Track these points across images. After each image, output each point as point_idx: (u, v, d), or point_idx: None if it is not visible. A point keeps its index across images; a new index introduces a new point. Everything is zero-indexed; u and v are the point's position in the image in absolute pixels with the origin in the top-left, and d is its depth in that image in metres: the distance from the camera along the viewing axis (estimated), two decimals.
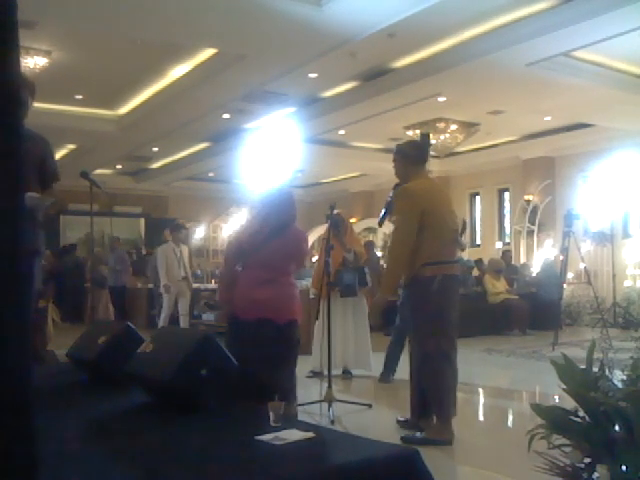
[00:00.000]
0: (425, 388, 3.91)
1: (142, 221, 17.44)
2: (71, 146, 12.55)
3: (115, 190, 13.82)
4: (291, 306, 3.85)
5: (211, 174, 15.62)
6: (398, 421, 4.17)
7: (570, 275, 10.56)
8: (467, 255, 12.86)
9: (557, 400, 3.00)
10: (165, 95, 9.39)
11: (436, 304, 3.82)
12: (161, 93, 9.44)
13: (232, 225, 14.95)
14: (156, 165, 14.92)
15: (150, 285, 10.80)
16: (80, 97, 9.91)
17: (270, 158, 9.93)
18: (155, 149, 13.02)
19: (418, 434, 3.85)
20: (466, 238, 4.40)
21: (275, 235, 3.87)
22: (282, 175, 9.47)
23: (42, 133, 3.52)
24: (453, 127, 10.93)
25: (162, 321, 8.20)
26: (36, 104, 3.42)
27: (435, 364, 3.84)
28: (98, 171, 13.63)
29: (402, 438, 3.80)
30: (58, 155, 13.29)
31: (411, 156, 4.07)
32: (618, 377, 2.75)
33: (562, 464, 2.72)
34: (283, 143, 9.74)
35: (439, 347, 3.82)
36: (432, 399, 3.87)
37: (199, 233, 16.62)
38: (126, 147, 12.41)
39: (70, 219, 15.55)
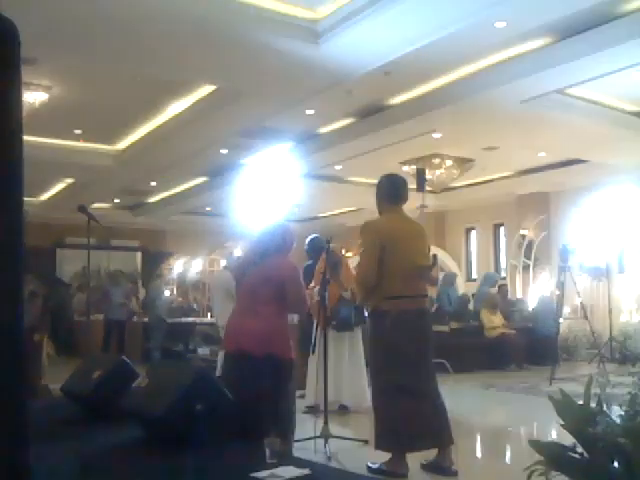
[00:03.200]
0: (376, 420, 3.96)
1: (139, 254, 17.44)
2: (69, 180, 12.59)
3: (112, 224, 13.84)
4: (270, 340, 3.65)
5: (208, 208, 15.67)
6: (422, 465, 4.03)
7: (566, 310, 10.55)
8: (464, 288, 12.90)
9: (555, 436, 2.98)
10: (163, 131, 9.47)
11: (389, 339, 3.88)
12: (160, 129, 9.53)
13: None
14: (154, 199, 14.97)
15: (146, 319, 10.76)
16: (79, 132, 9.99)
17: (267, 192, 9.98)
18: (153, 183, 13.07)
19: (378, 464, 3.90)
20: (436, 273, 4.40)
21: (257, 262, 3.84)
22: (279, 210, 9.51)
23: (41, 167, 3.56)
24: (448, 163, 11.02)
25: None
26: (36, 138, 3.47)
27: (385, 397, 3.90)
28: (96, 205, 13.65)
29: (367, 466, 3.90)
30: (56, 189, 13.36)
31: (385, 191, 4.19)
32: (616, 412, 2.74)
33: None
34: (280, 178, 9.82)
35: (390, 381, 3.86)
36: (384, 431, 3.90)
37: (196, 266, 16.59)
38: (124, 181, 12.46)
39: (67, 252, 15.59)
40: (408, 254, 3.99)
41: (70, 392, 4.40)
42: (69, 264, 15.30)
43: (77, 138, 10.27)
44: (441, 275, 10.40)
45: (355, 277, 4.14)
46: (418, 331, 3.97)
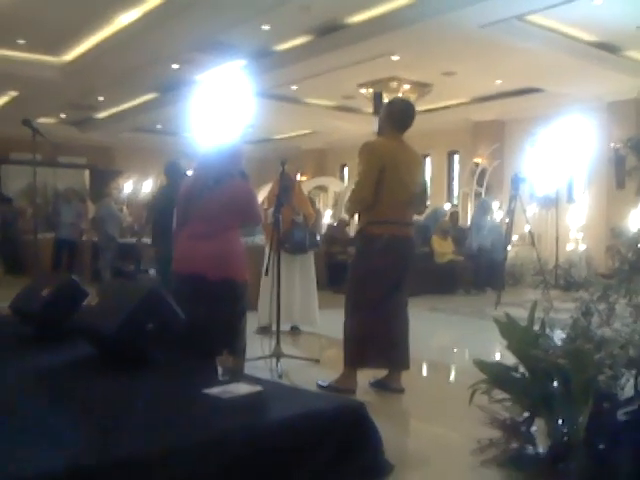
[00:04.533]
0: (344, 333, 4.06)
1: (87, 172, 16.98)
2: (13, 93, 12.02)
3: (59, 140, 13.33)
4: (227, 263, 3.67)
5: (159, 126, 15.28)
6: (370, 383, 4.14)
7: (515, 238, 10.80)
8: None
9: (499, 357, 3.11)
10: (112, 42, 9.03)
11: (376, 262, 3.90)
12: (108, 40, 9.08)
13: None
14: (102, 115, 14.47)
15: (95, 238, 10.56)
16: (23, 42, 9.45)
17: (220, 111, 9.71)
18: (101, 98, 12.61)
19: (327, 381, 4.02)
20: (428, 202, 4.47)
21: (211, 187, 3.74)
22: (232, 129, 9.31)
23: None
24: (406, 87, 10.90)
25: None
26: None
27: (356, 316, 3.97)
28: (42, 120, 13.12)
29: (317, 384, 4.02)
30: (0, 102, 12.75)
31: (396, 115, 4.08)
32: (558, 336, 2.85)
33: (502, 418, 2.83)
34: (233, 96, 9.55)
35: (365, 301, 3.93)
36: (344, 345, 4.03)
37: (146, 187, 16.27)
38: (71, 95, 11.96)
39: (11, 168, 15.03)
40: (404, 181, 3.97)
41: (19, 310, 4.32)
42: (14, 180, 14.78)
43: (21, 49, 9.72)
44: None
45: (350, 195, 4.06)
46: (404, 258, 4.02)
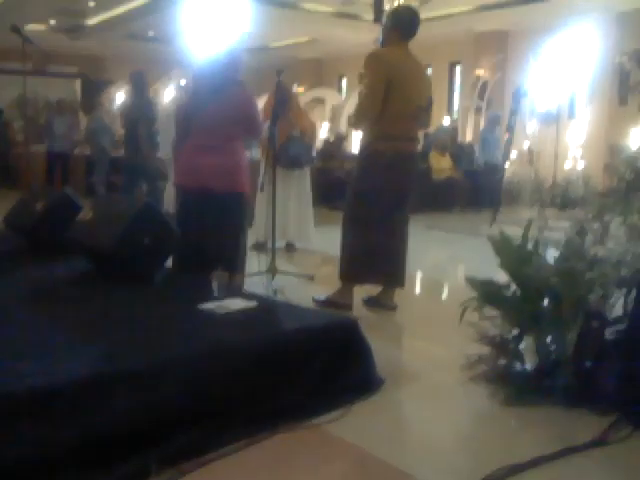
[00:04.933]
0: (341, 250, 4.03)
1: (78, 82, 16.54)
2: None
3: (49, 48, 12.93)
4: (234, 177, 3.67)
5: (151, 33, 14.75)
6: (363, 300, 4.12)
7: (514, 155, 10.69)
8: None
9: (492, 276, 3.15)
10: None
11: (380, 179, 3.80)
12: None
13: (174, 89, 14.32)
14: (92, 21, 13.94)
15: (87, 152, 10.42)
16: None
17: (214, 17, 9.38)
18: (91, 3, 12.12)
19: (323, 295, 4.01)
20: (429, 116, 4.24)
21: (214, 97, 3.64)
22: (228, 36, 9.01)
23: None
24: None
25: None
26: None
27: (356, 231, 3.91)
28: (30, 27, 12.62)
29: (312, 298, 4.00)
30: None
31: (402, 24, 3.91)
32: (551, 255, 2.87)
33: (492, 335, 2.88)
34: (228, 1, 9.19)
35: (366, 216, 3.86)
36: (343, 261, 4.00)
37: (119, 97, 15.85)
38: None
39: (1, 78, 14.61)
40: (411, 94, 3.82)
41: (13, 224, 4.33)
42: (3, 90, 14.40)
43: None
44: None
45: (357, 108, 3.88)
46: (408, 174, 3.94)
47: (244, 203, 3.78)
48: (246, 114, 3.70)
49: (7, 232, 4.38)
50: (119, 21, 13.37)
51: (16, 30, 5.23)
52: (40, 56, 7.06)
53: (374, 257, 3.91)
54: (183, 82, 12.27)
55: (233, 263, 3.74)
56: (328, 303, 3.95)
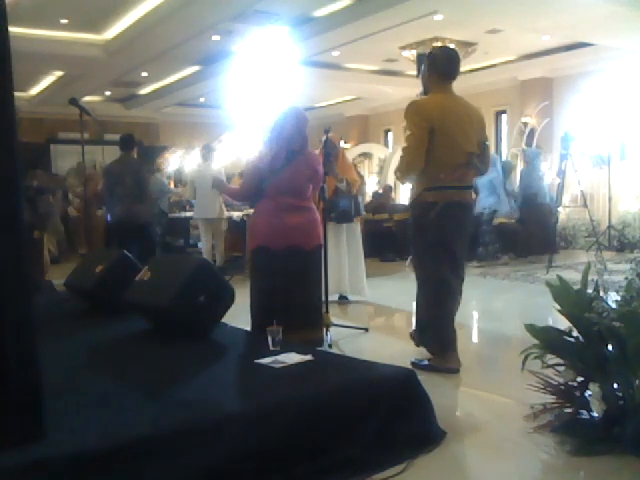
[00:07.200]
0: (419, 316, 3.80)
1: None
2: (58, 73, 12.21)
3: (105, 118, 13.53)
4: (317, 231, 3.95)
5: (202, 99, 15.31)
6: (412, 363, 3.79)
7: (566, 199, 10.52)
8: None
9: (551, 322, 3.05)
10: (152, 17, 9.05)
11: (434, 232, 3.61)
12: (148, 15, 9.10)
13: (223, 151, 14.71)
14: (146, 91, 14.60)
15: None
16: (65, 21, 9.56)
17: (262, 81, 9.67)
18: (144, 74, 12.70)
19: (425, 361, 3.75)
20: (486, 161, 3.89)
21: (293, 158, 3.83)
22: (276, 99, 9.27)
23: (28, 59, 3.43)
24: (450, 47, 10.63)
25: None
26: (21, 30, 3.31)
27: (430, 292, 3.69)
28: (87, 98, 13.31)
29: (412, 362, 3.70)
30: (46, 82, 12.97)
31: (439, 66, 3.69)
32: (612, 298, 2.78)
33: (555, 383, 2.79)
34: (275, 65, 9.48)
35: (435, 275, 3.64)
36: (427, 328, 3.75)
37: (193, 160, 16.40)
38: (114, 72, 12.08)
39: (61, 148, 15.32)
40: (458, 140, 3.61)
41: (73, 286, 4.46)
42: (63, 160, 15.08)
43: (63, 28, 9.85)
44: None
45: (399, 162, 3.71)
46: (462, 225, 3.72)
47: (323, 254, 4.04)
48: (316, 170, 3.95)
49: (68, 295, 4.51)
50: (171, 89, 13.98)
51: (74, 102, 5.47)
52: (97, 125, 7.40)
53: (449, 321, 3.71)
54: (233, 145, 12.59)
55: (318, 315, 3.95)
56: (431, 368, 3.69)
